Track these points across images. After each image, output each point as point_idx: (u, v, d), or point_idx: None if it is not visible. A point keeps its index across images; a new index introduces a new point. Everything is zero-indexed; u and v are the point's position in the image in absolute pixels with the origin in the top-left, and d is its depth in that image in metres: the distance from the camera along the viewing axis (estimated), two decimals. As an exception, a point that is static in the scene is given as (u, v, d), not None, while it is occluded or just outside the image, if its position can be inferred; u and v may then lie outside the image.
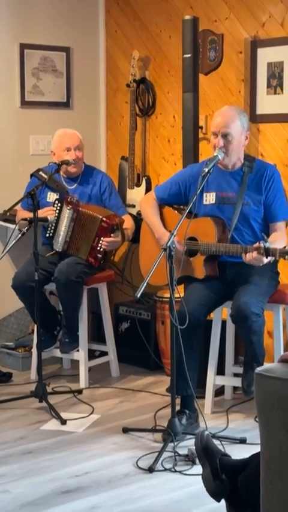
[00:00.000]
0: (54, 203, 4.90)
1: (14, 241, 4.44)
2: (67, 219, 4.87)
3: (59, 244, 4.91)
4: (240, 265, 4.19)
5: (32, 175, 4.81)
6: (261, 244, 3.91)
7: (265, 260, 3.98)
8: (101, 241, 4.80)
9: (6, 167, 5.55)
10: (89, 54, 5.89)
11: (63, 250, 4.91)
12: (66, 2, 5.73)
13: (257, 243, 3.98)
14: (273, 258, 3.94)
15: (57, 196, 4.91)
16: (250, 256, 4.00)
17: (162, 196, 4.53)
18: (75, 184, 5.05)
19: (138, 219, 5.26)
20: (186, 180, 4.42)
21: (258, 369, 2.57)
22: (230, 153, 4.26)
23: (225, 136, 4.23)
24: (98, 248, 4.82)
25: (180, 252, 4.17)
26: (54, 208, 4.89)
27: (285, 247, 3.86)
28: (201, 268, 4.29)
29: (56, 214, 4.88)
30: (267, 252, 3.89)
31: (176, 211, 4.49)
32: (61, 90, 5.78)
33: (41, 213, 4.79)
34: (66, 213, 4.87)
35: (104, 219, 4.79)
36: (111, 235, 4.82)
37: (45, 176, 4.71)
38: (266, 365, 2.64)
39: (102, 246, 4.81)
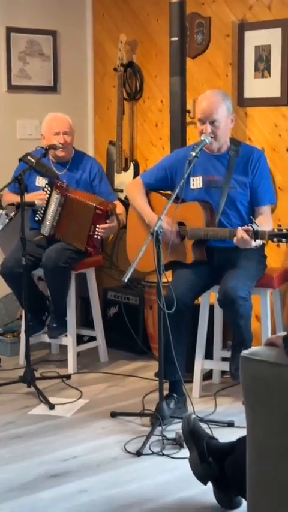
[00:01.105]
0: (44, 187, 4.89)
1: (1, 227, 4.42)
2: (55, 203, 4.85)
3: (46, 228, 4.90)
4: (228, 250, 4.19)
5: (20, 159, 4.77)
6: (250, 227, 3.91)
7: (253, 243, 3.97)
8: (97, 229, 4.78)
9: (-7, 152, 5.52)
10: (76, 38, 5.85)
11: (50, 234, 4.90)
12: (53, -15, 5.70)
13: (246, 226, 3.98)
14: (262, 240, 3.94)
15: (47, 181, 4.89)
16: (239, 236, 3.97)
17: (148, 181, 4.51)
18: (65, 170, 5.03)
19: (126, 204, 5.24)
20: (172, 165, 4.41)
21: (244, 352, 2.58)
22: (218, 138, 4.25)
23: (212, 122, 4.22)
24: (96, 236, 4.80)
25: (171, 233, 4.17)
26: (45, 192, 4.87)
27: (273, 229, 3.85)
28: (190, 253, 4.29)
29: (46, 199, 4.86)
30: (256, 234, 3.89)
31: (164, 197, 4.48)
32: (48, 74, 5.74)
33: (30, 196, 4.79)
34: (55, 197, 4.85)
35: (98, 206, 4.78)
36: (107, 221, 4.81)
37: (33, 160, 4.67)
38: (252, 348, 2.65)
39: (99, 234, 4.80)
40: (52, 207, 4.86)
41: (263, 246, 4.24)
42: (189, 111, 5.07)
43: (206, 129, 4.22)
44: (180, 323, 4.16)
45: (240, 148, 4.33)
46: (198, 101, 4.31)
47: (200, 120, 4.26)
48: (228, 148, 4.33)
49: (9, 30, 5.49)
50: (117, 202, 5.04)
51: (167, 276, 4.12)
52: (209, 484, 3.18)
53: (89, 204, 4.79)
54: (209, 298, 4.53)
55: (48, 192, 4.86)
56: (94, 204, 4.78)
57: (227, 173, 4.28)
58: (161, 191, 4.51)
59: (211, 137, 4.23)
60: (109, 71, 5.72)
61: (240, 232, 3.97)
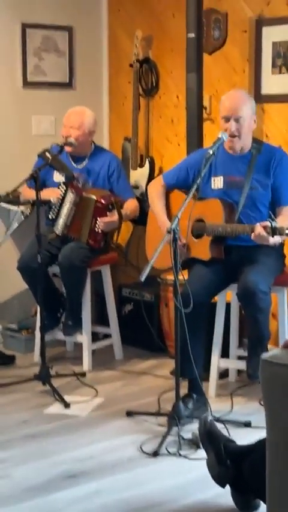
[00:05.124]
0: (59, 185, 4.86)
1: (17, 224, 4.41)
2: (70, 203, 4.83)
3: (59, 227, 4.87)
4: (246, 249, 4.15)
5: (38, 155, 4.73)
6: (268, 223, 3.88)
7: (271, 240, 3.93)
8: (97, 222, 4.77)
9: (8, 148, 5.50)
10: (91, 34, 5.82)
11: (63, 234, 4.87)
12: (69, -20, 5.67)
13: (264, 222, 3.94)
14: (280, 237, 3.89)
15: (64, 177, 4.86)
16: (257, 232, 3.93)
17: (170, 181, 4.48)
18: (82, 164, 5.00)
19: (142, 201, 5.22)
20: (194, 165, 4.34)
21: (264, 356, 2.55)
22: (242, 136, 4.20)
23: (237, 120, 4.17)
24: (96, 230, 4.78)
25: (181, 247, 4.15)
26: (60, 191, 4.85)
27: None
28: (207, 250, 4.25)
29: (60, 197, 4.84)
30: (274, 231, 3.85)
31: (184, 194, 4.44)
32: (63, 70, 5.72)
33: (46, 193, 4.78)
34: (70, 197, 4.83)
35: (98, 199, 4.76)
36: (107, 214, 4.78)
37: (50, 157, 4.63)
38: (272, 351, 2.61)
39: (100, 227, 4.78)
40: (67, 207, 4.83)
41: (281, 245, 4.21)
42: (205, 108, 5.03)
43: (230, 126, 4.17)
44: (197, 320, 4.11)
45: (262, 148, 4.28)
46: (222, 101, 4.25)
47: (224, 118, 4.19)
48: (250, 148, 4.28)
49: (25, 26, 5.47)
50: (131, 200, 5.02)
51: (184, 274, 4.09)
52: (227, 486, 3.16)
53: (91, 197, 4.77)
54: (226, 296, 4.49)
55: (63, 191, 4.84)
56: (94, 197, 4.76)
57: (248, 173, 4.24)
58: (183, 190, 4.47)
59: (235, 135, 4.17)
60: (125, 66, 5.68)
61: (258, 228, 3.93)
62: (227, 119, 4.19)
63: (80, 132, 4.92)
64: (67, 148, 4.91)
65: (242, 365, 4.37)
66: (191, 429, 3.86)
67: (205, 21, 4.98)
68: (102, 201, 4.77)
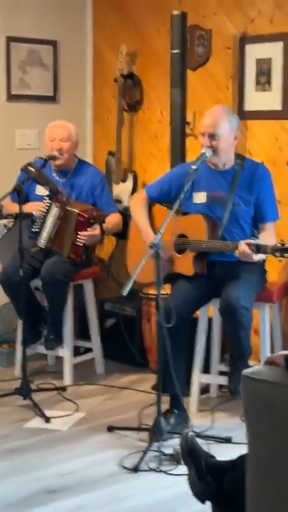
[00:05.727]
0: (44, 199, 4.86)
1: (-1, 238, 4.41)
2: (54, 217, 4.83)
3: (42, 240, 4.87)
4: (229, 264, 4.17)
5: (21, 169, 4.73)
6: (252, 241, 3.89)
7: (255, 257, 3.95)
8: (79, 236, 4.77)
9: (-9, 161, 5.50)
10: (76, 48, 5.83)
11: (46, 247, 4.87)
12: (54, -5, 5.69)
13: (248, 240, 3.96)
14: (264, 255, 3.91)
15: (48, 191, 4.86)
16: (241, 249, 3.95)
17: (153, 195, 4.50)
18: (66, 178, 5.01)
19: (125, 215, 5.22)
20: (177, 179, 4.37)
21: (245, 372, 2.55)
22: (218, 152, 4.23)
23: (212, 136, 4.20)
24: (77, 243, 4.78)
25: (164, 261, 4.15)
26: (44, 204, 4.85)
27: (276, 244, 3.82)
28: (190, 266, 4.26)
29: (44, 210, 4.84)
30: (258, 248, 3.86)
31: (167, 209, 4.46)
32: (48, 84, 5.72)
33: (30, 206, 4.78)
34: (54, 210, 4.82)
35: (80, 213, 4.76)
36: (88, 229, 4.79)
37: (33, 171, 4.64)
38: (253, 367, 2.62)
39: (81, 241, 4.77)
40: (50, 220, 4.83)
41: (264, 261, 4.22)
42: (189, 123, 5.05)
43: (205, 142, 4.21)
44: (178, 336, 4.12)
45: (245, 163, 4.31)
46: (203, 116, 4.30)
47: (201, 134, 4.25)
48: (232, 164, 4.31)
49: (10, 39, 5.47)
50: (114, 215, 5.03)
51: (166, 288, 4.10)
52: (208, 502, 3.15)
53: (73, 211, 4.77)
54: (208, 311, 4.50)
55: (48, 204, 4.84)
56: (77, 211, 4.76)
57: (231, 189, 4.26)
58: (164, 204, 4.49)
59: (211, 150, 4.21)
60: (109, 81, 5.69)
61: (242, 245, 3.94)
62: (203, 135, 4.23)
63: (69, 143, 4.96)
64: (56, 162, 4.93)
65: (224, 380, 4.38)
66: (172, 444, 3.85)
67: (189, 37, 5.00)
68: (84, 215, 4.77)
